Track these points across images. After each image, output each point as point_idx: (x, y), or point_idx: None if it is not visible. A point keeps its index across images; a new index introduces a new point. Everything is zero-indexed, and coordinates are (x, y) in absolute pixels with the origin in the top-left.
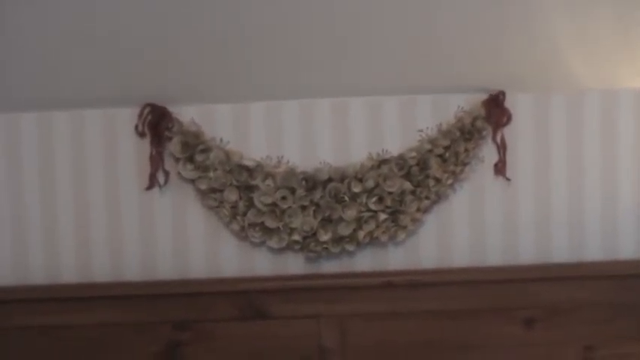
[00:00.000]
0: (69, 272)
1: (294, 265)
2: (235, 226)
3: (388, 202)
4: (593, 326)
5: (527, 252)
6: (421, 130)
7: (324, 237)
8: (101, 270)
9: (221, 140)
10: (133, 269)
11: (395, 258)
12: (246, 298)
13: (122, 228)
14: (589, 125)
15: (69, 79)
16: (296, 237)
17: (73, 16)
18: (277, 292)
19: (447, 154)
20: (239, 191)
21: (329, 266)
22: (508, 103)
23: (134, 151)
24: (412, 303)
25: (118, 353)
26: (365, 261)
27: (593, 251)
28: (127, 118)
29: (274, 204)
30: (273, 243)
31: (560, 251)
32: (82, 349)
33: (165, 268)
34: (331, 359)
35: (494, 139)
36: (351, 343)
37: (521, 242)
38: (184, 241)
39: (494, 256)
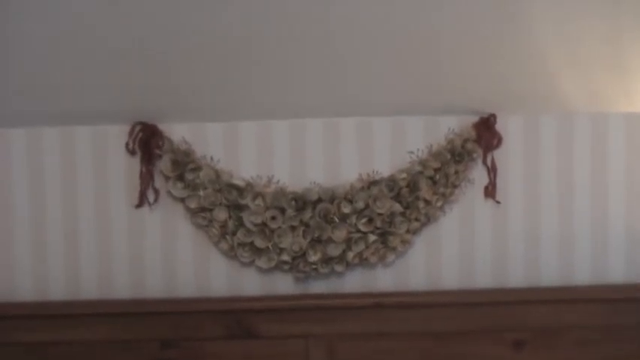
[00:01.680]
0: (57, 289)
1: (283, 285)
2: (224, 246)
3: (378, 224)
4: (581, 349)
5: (516, 274)
6: (412, 152)
7: (314, 257)
8: (90, 287)
9: (211, 159)
10: (121, 287)
11: (384, 279)
12: (234, 318)
13: (111, 245)
14: (579, 148)
15: (60, 95)
16: (285, 257)
17: (65, 34)
18: (266, 311)
19: (438, 176)
20: (229, 210)
21: (318, 286)
22: (499, 126)
23: (124, 169)
24: (401, 324)
25: None
26: (354, 282)
27: (583, 274)
28: (117, 135)
29: (264, 224)
30: (262, 263)
31: (550, 273)
32: None
33: (154, 286)
34: None
35: (484, 161)
36: None
37: (511, 264)
38: (173, 259)
39: (484, 279)
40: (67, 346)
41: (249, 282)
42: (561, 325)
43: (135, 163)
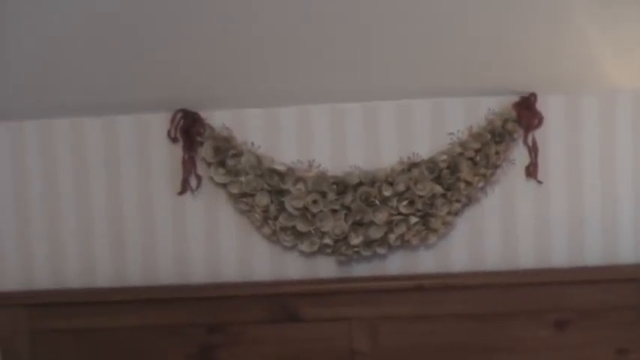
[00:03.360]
0: (104, 276)
1: (325, 268)
2: (267, 230)
3: (419, 206)
4: (625, 329)
5: (559, 254)
6: (452, 133)
7: (355, 240)
8: (135, 274)
9: (252, 144)
10: (166, 273)
11: (426, 261)
12: (278, 302)
13: (155, 232)
14: (622, 127)
15: (102, 85)
16: (327, 241)
17: (105, 24)
18: (309, 295)
19: (478, 157)
20: (270, 195)
21: (360, 269)
22: (539, 106)
23: (167, 156)
24: (443, 306)
25: (151, 356)
26: (396, 264)
27: (626, 254)
28: (159, 123)
29: (305, 208)
30: (304, 247)
31: (593, 253)
32: (116, 352)
33: (199, 271)
34: None
35: (525, 141)
36: (382, 345)
37: (553, 245)
38: (217, 244)
39: (526, 259)
40: (113, 332)
41: (292, 266)
42: (604, 306)
43: (177, 151)
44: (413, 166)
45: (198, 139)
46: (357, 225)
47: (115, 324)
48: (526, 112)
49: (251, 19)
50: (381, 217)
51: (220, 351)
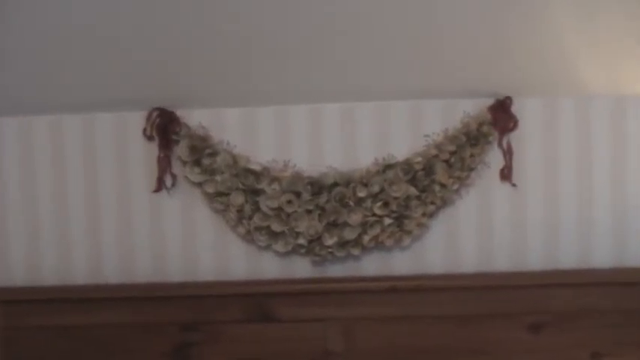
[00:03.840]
0: (80, 273)
1: (300, 268)
2: (241, 230)
3: (393, 207)
4: (600, 333)
5: (534, 257)
6: (427, 135)
7: (330, 241)
8: (111, 271)
9: (228, 144)
10: (141, 271)
11: (401, 263)
12: (253, 301)
13: (132, 230)
14: (597, 130)
15: (79, 83)
16: (301, 241)
17: (85, 22)
18: (284, 295)
19: (453, 160)
20: (245, 195)
21: (335, 270)
22: (515, 109)
23: (143, 154)
24: (418, 308)
25: (127, 354)
26: (371, 265)
27: (602, 257)
28: (136, 121)
29: (280, 208)
30: (278, 247)
31: (568, 257)
32: (92, 349)
33: (174, 270)
34: None
35: (500, 144)
36: (357, 346)
37: (529, 248)
38: (192, 243)
39: (501, 262)
40: (88, 329)
41: (268, 266)
42: (579, 309)
43: (153, 149)
44: (388, 167)
45: (174, 137)
46: (332, 226)
47: (91, 321)
48: (501, 115)
49: (229, 19)
50: (355, 218)
51: (195, 350)
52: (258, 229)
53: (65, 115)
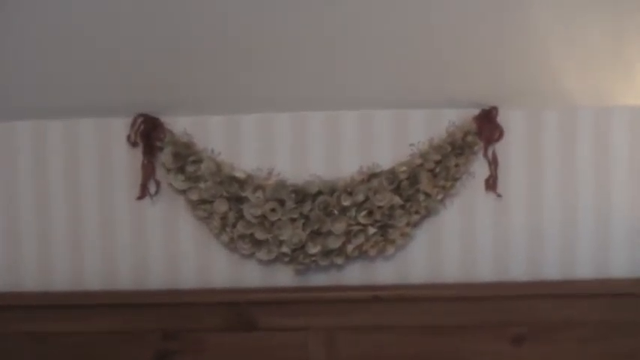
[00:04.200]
0: (61, 279)
1: (283, 277)
2: (225, 238)
3: (377, 216)
4: (582, 344)
5: (517, 268)
6: (412, 145)
7: (313, 250)
8: (92, 278)
9: (212, 151)
10: (124, 278)
11: (384, 272)
12: (235, 309)
13: (114, 237)
14: (582, 142)
15: (63, 88)
16: (285, 249)
17: (69, 27)
18: (266, 303)
19: (438, 169)
20: (229, 202)
21: (318, 279)
22: (500, 119)
23: (127, 161)
24: (400, 317)
25: None
26: (354, 274)
27: (585, 268)
28: (120, 127)
29: (264, 216)
30: (262, 255)
31: (552, 268)
32: (72, 357)
33: (156, 277)
34: None
35: (485, 154)
36: (340, 356)
37: (512, 258)
38: (175, 251)
39: (485, 272)
40: (69, 336)
41: (250, 274)
42: (563, 320)
43: (137, 156)
44: (372, 176)
45: (158, 144)
46: (315, 234)
47: (72, 329)
48: (487, 125)
49: (214, 26)
50: (339, 226)
51: (177, 358)
52: (241, 237)
53: (48, 120)
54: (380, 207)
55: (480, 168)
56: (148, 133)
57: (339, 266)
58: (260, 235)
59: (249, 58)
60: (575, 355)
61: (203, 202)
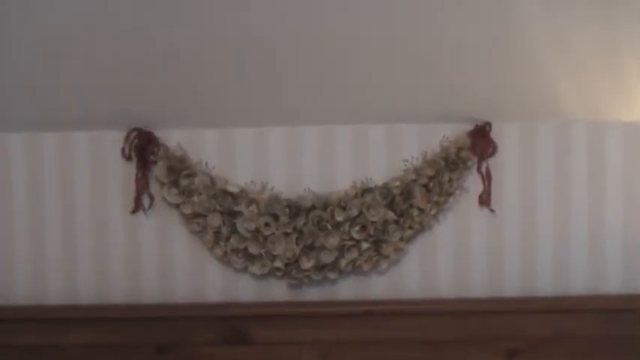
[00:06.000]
0: (54, 293)
1: (277, 291)
2: (218, 252)
3: (371, 231)
4: (576, 359)
5: (511, 283)
6: (406, 160)
7: (307, 264)
8: (86, 291)
9: (206, 165)
10: (117, 291)
11: (377, 287)
12: (229, 324)
13: (108, 250)
14: (576, 157)
15: (58, 101)
16: (278, 264)
17: (62, 40)
18: (259, 318)
19: (432, 184)
20: (223, 217)
21: (312, 293)
22: (494, 134)
23: (121, 174)
24: (394, 332)
25: None
26: (347, 289)
27: (579, 283)
28: (114, 140)
29: (257, 230)
30: (255, 269)
31: (545, 283)
32: None
33: (150, 291)
34: None
35: (479, 169)
36: None
37: (506, 273)
38: (169, 264)
39: (478, 288)
40: (62, 350)
41: (244, 288)
42: (556, 336)
43: (131, 169)
44: (366, 191)
45: (152, 158)
46: (309, 249)
47: (65, 342)
48: (480, 141)
49: (208, 39)
50: (332, 241)
51: None
52: (235, 251)
53: (43, 133)
54: (373, 222)
55: (473, 183)
56: (142, 148)
57: (333, 281)
58: (253, 249)
59: (243, 72)
60: None
61: (197, 215)
